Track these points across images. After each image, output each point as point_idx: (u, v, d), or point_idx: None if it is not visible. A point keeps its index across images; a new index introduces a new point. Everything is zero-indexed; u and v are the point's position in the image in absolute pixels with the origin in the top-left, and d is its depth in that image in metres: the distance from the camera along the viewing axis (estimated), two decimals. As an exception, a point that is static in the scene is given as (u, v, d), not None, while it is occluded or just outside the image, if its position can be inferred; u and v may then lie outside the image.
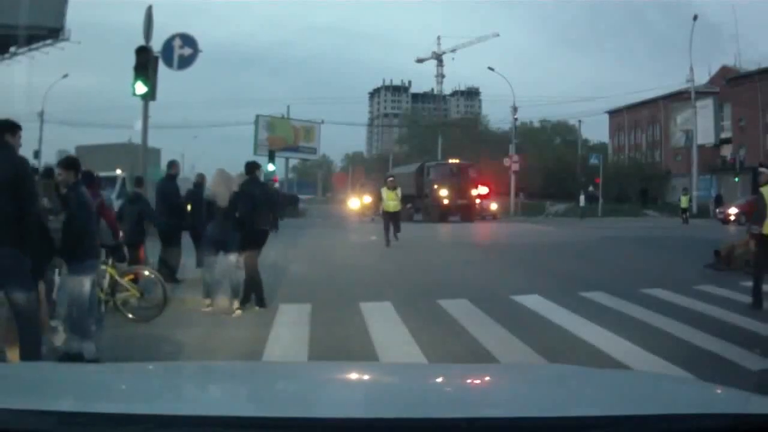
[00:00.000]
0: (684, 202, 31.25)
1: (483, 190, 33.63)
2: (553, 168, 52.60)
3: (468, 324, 6.79)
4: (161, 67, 11.56)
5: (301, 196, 40.90)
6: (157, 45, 11.58)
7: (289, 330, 6.61)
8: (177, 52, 11.68)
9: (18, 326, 4.49)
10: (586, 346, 5.95)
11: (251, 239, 7.88)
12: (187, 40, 11.82)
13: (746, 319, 7.11)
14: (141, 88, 10.92)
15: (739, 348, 5.77)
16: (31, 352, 4.42)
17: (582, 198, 36.75)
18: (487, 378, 2.13)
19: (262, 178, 9.40)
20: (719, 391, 1.87)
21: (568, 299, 8.09)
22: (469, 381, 2.05)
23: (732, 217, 29.62)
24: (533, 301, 8.11)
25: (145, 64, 10.88)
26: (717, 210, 32.39)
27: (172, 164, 10.48)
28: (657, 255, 14.38)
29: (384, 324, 6.81)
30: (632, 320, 7.05)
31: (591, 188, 41.17)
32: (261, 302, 7.81)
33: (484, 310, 7.44)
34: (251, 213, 7.87)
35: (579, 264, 12.60)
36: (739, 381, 4.43)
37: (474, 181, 32.93)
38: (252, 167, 8.43)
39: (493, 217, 34.35)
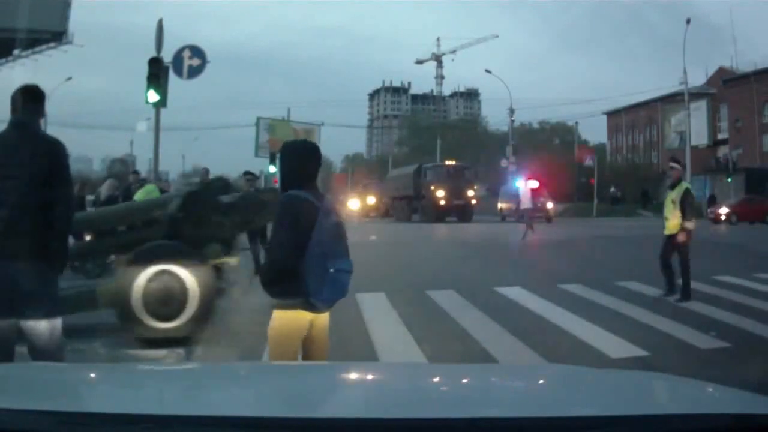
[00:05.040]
0: None
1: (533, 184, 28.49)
2: (550, 169, 52.56)
3: (451, 310, 7.58)
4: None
5: None
6: (164, 49, 12.13)
7: None
8: (186, 62, 12.45)
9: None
10: (557, 329, 6.62)
11: None
12: (196, 52, 12.57)
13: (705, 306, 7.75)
14: (153, 96, 11.75)
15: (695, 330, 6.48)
16: None
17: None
18: (487, 378, 2.13)
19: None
20: (719, 392, 1.86)
21: (546, 291, 8.68)
22: (469, 381, 2.04)
23: (723, 217, 29.73)
24: (515, 292, 8.67)
25: (157, 74, 11.65)
26: (708, 210, 32.49)
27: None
28: (639, 252, 14.59)
29: (377, 311, 7.51)
30: (603, 308, 7.71)
31: (613, 189, 41.72)
32: None
33: (468, 299, 8.16)
34: None
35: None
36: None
37: (470, 182, 32.98)
38: None
39: (548, 219, 28.91)
